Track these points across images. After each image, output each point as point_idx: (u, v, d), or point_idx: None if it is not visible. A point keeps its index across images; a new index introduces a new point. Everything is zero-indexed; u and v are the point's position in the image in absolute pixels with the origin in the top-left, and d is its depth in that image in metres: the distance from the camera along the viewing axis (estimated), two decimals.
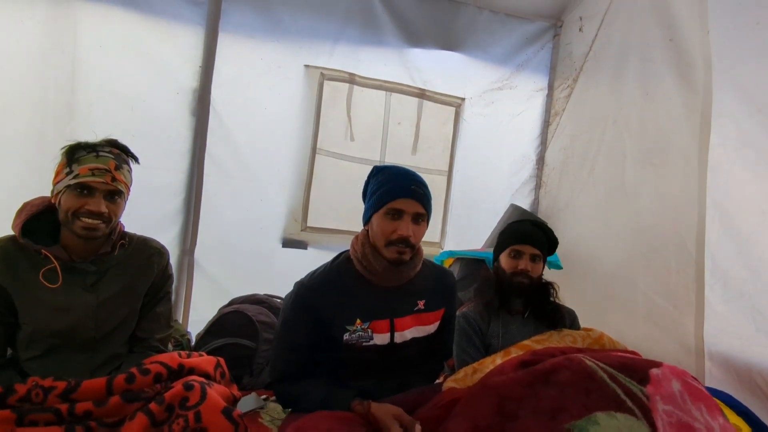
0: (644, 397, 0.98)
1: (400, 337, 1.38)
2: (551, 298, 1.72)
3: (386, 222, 1.32)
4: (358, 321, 1.34)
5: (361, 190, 1.45)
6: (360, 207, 1.43)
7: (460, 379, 1.29)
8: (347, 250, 1.44)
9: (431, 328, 1.45)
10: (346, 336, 1.34)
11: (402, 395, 1.31)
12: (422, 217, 1.34)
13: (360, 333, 1.34)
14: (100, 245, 1.34)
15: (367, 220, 1.39)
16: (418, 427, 1.14)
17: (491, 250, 2.36)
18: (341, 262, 1.42)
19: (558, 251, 2.59)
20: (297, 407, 1.33)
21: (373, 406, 1.21)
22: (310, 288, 1.35)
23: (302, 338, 1.34)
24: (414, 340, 1.41)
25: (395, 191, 1.31)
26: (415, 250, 1.37)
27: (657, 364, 1.07)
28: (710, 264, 1.84)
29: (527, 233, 1.68)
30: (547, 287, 1.72)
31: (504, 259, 1.70)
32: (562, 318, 1.68)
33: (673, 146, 2.05)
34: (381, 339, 1.36)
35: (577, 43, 2.76)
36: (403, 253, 1.32)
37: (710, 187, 1.86)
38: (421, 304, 1.42)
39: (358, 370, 1.36)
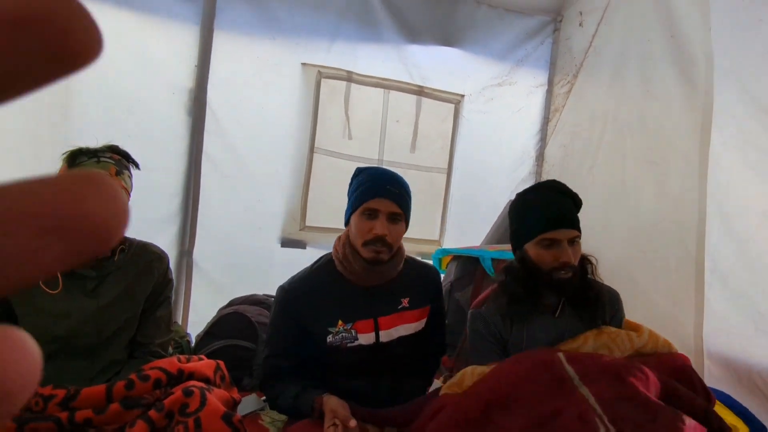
0: None
1: (386, 336, 1.38)
2: (589, 280, 1.36)
3: (362, 222, 1.32)
4: (340, 322, 1.34)
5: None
6: None
7: (455, 384, 1.23)
8: (329, 252, 1.44)
9: (418, 325, 1.45)
10: (329, 338, 1.34)
11: (397, 408, 1.30)
12: (399, 217, 1.34)
13: (343, 334, 1.34)
14: None
15: (347, 221, 1.40)
16: (352, 422, 1.14)
17: (488, 247, 2.35)
18: (322, 264, 1.43)
19: None
20: (278, 408, 1.36)
21: (325, 399, 1.23)
22: (289, 291, 1.36)
23: (287, 342, 1.35)
24: (401, 338, 1.41)
25: (370, 191, 1.32)
26: (395, 249, 1.37)
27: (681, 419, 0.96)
28: (710, 263, 1.83)
29: (559, 214, 1.30)
30: (584, 266, 1.36)
31: (534, 251, 1.32)
32: (602, 310, 1.35)
33: (673, 144, 2.04)
34: (366, 339, 1.36)
35: (577, 38, 2.73)
36: (380, 252, 1.32)
37: (711, 186, 1.84)
38: (405, 302, 1.42)
39: (348, 370, 1.37)
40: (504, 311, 1.35)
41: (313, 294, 1.36)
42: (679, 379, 1.21)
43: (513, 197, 2.82)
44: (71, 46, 0.14)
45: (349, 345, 1.34)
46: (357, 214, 1.34)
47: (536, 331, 1.33)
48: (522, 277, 1.34)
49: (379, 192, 1.32)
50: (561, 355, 1.17)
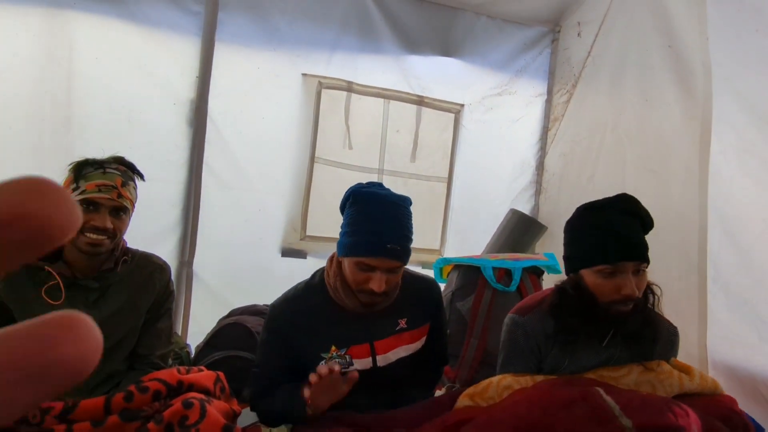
0: None
1: (383, 360, 1.32)
2: (649, 313, 1.24)
3: (357, 272, 1.20)
4: (333, 347, 1.29)
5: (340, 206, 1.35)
6: None
7: (478, 393, 1.15)
8: (323, 269, 1.36)
9: (417, 345, 1.39)
10: (321, 364, 1.28)
11: (405, 410, 1.26)
12: (398, 269, 1.23)
13: (337, 360, 1.28)
14: (103, 261, 1.34)
15: (340, 253, 1.26)
16: (354, 373, 1.13)
17: (489, 256, 2.34)
18: (315, 284, 1.35)
19: (559, 258, 2.58)
20: (273, 418, 1.32)
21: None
22: (281, 312, 1.31)
23: (278, 362, 1.31)
24: (400, 360, 1.35)
25: (368, 249, 1.18)
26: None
27: None
28: (712, 272, 1.82)
29: (624, 244, 1.15)
30: (646, 296, 1.23)
31: (591, 279, 1.20)
32: (656, 347, 1.25)
33: (673, 153, 2.04)
34: (362, 364, 1.31)
35: (575, 49, 2.76)
36: (375, 301, 1.25)
37: (711, 194, 1.84)
38: (402, 322, 1.35)
39: None
40: (550, 332, 1.24)
41: (305, 316, 1.29)
42: (724, 422, 1.17)
43: (513, 206, 2.87)
44: (52, 234, 0.16)
45: (343, 371, 1.28)
46: (350, 261, 1.20)
47: (579, 356, 1.23)
48: (576, 306, 1.21)
49: (377, 252, 1.17)
50: (599, 389, 1.10)
